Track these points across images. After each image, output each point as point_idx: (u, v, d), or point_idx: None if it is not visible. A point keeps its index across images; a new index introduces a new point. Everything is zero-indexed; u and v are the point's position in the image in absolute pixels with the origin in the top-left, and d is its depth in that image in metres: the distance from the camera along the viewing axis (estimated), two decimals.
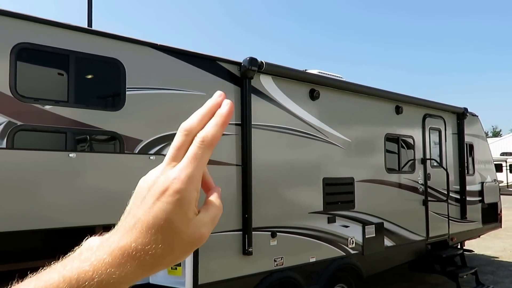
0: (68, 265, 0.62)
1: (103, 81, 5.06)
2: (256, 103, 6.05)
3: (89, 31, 4.93)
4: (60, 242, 4.58)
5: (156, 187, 0.67)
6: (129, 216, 0.67)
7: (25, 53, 4.37)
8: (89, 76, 4.93)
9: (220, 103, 0.72)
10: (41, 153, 4.20)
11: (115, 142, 4.83)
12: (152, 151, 5.00)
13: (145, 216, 0.65)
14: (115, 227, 0.67)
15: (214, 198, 0.73)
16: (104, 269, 0.62)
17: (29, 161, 4.09)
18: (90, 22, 7.04)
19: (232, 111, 0.71)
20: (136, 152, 4.90)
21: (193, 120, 0.70)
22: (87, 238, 0.67)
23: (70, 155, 4.29)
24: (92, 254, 0.64)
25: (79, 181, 4.36)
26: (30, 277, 0.62)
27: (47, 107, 4.40)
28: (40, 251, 4.34)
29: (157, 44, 5.31)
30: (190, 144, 0.69)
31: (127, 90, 4.93)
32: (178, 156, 0.69)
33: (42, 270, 0.63)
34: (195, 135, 0.69)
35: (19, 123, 4.18)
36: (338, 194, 7.20)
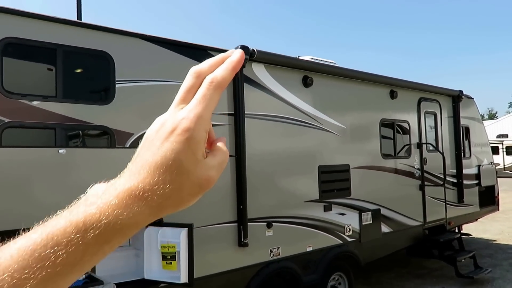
0: (74, 211, 0.62)
1: (92, 75, 4.96)
2: (248, 92, 5.98)
3: (76, 23, 4.82)
4: None
5: (164, 128, 0.66)
6: (136, 160, 0.67)
7: (11, 48, 4.28)
8: (78, 70, 4.84)
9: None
10: (30, 150, 4.13)
11: (106, 137, 4.75)
12: None
13: (153, 156, 0.65)
14: (122, 172, 0.67)
15: (221, 144, 0.73)
16: (111, 211, 0.62)
17: (18, 159, 4.01)
18: (79, 15, 6.91)
19: (243, 58, 0.71)
20: (128, 146, 4.82)
21: (204, 64, 0.71)
22: (92, 185, 0.67)
23: (60, 151, 4.22)
24: (98, 198, 0.63)
25: (70, 177, 4.29)
26: (37, 226, 0.62)
27: (35, 102, 4.32)
28: None
29: (146, 35, 5.21)
30: (199, 87, 0.69)
31: (117, 83, 4.85)
32: (187, 98, 0.68)
33: (48, 218, 0.63)
34: (205, 78, 0.69)
35: (6, 120, 4.10)
36: (334, 182, 7.15)
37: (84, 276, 3.92)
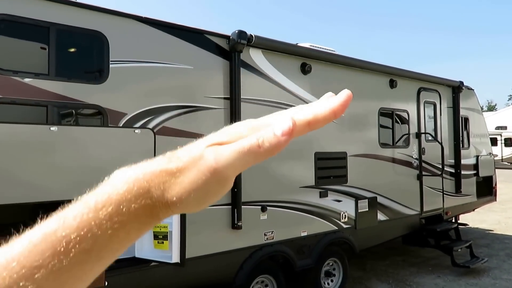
0: (92, 192, 0.58)
1: (86, 54, 4.96)
2: (245, 77, 5.96)
3: (70, 2, 4.81)
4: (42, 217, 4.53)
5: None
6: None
7: (3, 25, 4.28)
8: (71, 49, 4.84)
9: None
10: (21, 127, 4.12)
11: (99, 116, 4.76)
12: (137, 125, 4.93)
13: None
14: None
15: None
16: (125, 189, 0.57)
17: (8, 135, 4.02)
18: None
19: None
20: (121, 125, 4.84)
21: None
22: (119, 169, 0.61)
23: (52, 128, 4.21)
24: (117, 177, 0.59)
25: (61, 155, 4.29)
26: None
27: (27, 80, 4.32)
28: (20, 226, 4.29)
29: (141, 17, 5.20)
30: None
31: (111, 63, 4.85)
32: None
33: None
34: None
35: None
36: (330, 169, 7.14)
37: None
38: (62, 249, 0.53)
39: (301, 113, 0.61)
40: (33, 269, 0.52)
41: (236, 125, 0.61)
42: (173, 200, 0.57)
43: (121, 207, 0.56)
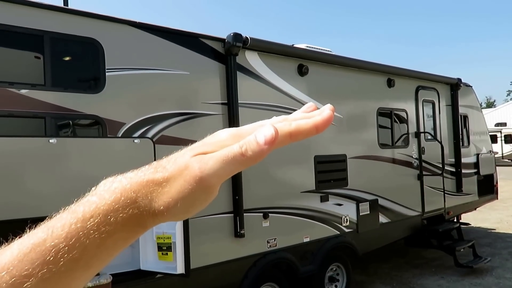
0: (79, 202, 0.60)
1: (81, 62, 4.84)
2: (242, 81, 5.86)
3: (63, 9, 4.70)
4: None
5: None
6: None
7: None
8: (66, 58, 4.72)
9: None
10: (19, 140, 4.01)
11: (97, 126, 4.64)
12: (136, 134, 4.82)
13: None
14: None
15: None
16: (112, 199, 0.59)
17: (7, 149, 3.90)
18: (66, 1, 6.78)
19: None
20: (120, 135, 4.71)
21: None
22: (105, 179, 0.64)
23: (51, 140, 4.10)
24: (104, 188, 0.62)
25: (61, 167, 4.18)
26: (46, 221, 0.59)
27: (23, 91, 4.20)
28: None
29: (136, 22, 5.09)
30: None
31: (107, 71, 4.73)
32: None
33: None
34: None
35: None
36: (330, 172, 7.05)
37: None
38: (51, 258, 0.54)
39: (284, 123, 0.62)
40: (23, 278, 0.53)
41: (218, 133, 0.64)
42: (160, 209, 0.59)
43: (109, 217, 0.57)
